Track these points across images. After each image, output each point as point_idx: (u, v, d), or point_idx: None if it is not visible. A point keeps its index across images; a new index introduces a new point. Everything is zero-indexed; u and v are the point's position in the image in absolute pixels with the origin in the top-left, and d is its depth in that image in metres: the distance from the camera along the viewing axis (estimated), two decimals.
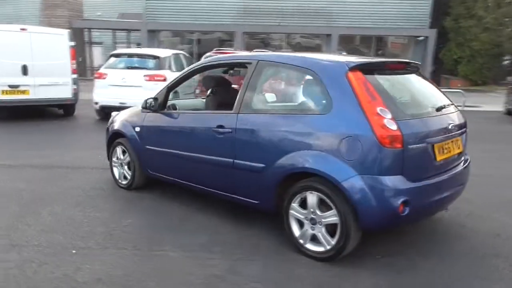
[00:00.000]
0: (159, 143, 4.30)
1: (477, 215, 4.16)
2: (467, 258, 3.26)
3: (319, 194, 3.05)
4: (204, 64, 4.29)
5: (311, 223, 3.14)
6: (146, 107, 4.38)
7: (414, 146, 2.91)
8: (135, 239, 3.48)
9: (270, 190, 3.34)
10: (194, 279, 2.87)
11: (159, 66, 9.47)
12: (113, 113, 5.31)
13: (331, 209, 3.01)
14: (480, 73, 23.01)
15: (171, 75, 9.26)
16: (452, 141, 3.31)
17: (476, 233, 3.75)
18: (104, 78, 9.36)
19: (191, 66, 4.32)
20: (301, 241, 3.22)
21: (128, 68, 9.50)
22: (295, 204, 3.22)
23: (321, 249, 3.11)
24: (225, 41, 23.77)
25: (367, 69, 3.14)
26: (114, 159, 4.90)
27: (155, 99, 4.31)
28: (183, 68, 9.34)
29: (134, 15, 25.92)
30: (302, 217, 3.20)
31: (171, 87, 4.37)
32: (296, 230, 3.26)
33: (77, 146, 7.07)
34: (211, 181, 3.85)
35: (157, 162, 4.39)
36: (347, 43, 23.82)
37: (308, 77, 3.34)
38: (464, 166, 3.54)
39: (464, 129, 3.59)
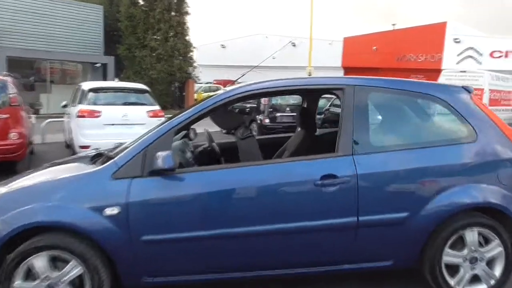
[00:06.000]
0: (181, 224, 2.62)
1: None
2: None
3: (479, 228, 2.80)
4: (249, 92, 2.80)
5: (471, 262, 2.83)
6: (155, 169, 2.48)
7: None
8: None
9: (418, 242, 2.77)
10: None
11: None
12: None
13: (489, 242, 2.83)
14: (160, 99, 24.96)
15: None
16: None
17: None
18: None
19: (219, 96, 2.76)
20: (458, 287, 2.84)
21: None
22: (448, 248, 2.80)
23: (483, 287, 2.86)
24: None
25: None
26: (18, 282, 2.48)
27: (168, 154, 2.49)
28: None
29: None
30: (459, 260, 2.83)
31: (181, 129, 2.70)
32: (449, 278, 2.83)
33: None
34: (306, 257, 2.73)
35: (176, 257, 2.65)
36: (21, 67, 20.16)
37: (434, 103, 2.96)
38: None
39: None
